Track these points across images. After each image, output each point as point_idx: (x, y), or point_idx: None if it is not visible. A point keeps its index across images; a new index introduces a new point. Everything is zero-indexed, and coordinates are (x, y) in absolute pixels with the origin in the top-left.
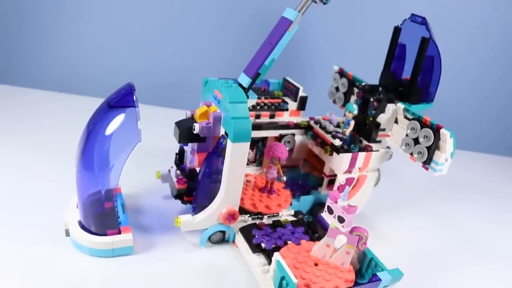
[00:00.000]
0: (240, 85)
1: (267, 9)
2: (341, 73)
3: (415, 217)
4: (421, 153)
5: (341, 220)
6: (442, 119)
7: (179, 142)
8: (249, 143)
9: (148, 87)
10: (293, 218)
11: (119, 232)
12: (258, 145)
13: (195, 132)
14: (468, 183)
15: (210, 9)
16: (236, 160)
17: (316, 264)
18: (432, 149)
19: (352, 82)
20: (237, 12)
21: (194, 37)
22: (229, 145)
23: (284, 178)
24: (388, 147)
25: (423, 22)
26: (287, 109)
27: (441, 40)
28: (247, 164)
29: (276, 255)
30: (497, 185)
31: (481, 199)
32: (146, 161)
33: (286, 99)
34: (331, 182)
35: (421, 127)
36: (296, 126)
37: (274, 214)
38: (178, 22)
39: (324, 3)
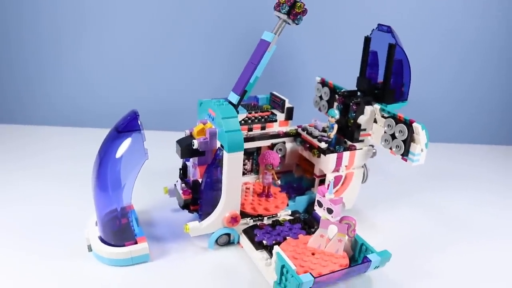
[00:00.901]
0: (230, 102)
1: (253, 34)
2: (323, 83)
3: (405, 207)
4: (398, 146)
5: (330, 211)
6: (425, 116)
7: (181, 158)
8: (242, 152)
9: (148, 114)
10: (291, 217)
11: (136, 243)
12: (253, 155)
13: (194, 147)
14: (454, 173)
15: (199, 38)
16: (233, 168)
17: (313, 254)
18: (408, 142)
19: (333, 90)
20: (225, 38)
21: (187, 64)
22: (225, 155)
23: (279, 182)
24: (371, 145)
25: (389, 30)
26: (276, 120)
27: (419, 41)
28: (245, 174)
29: (276, 248)
30: (481, 171)
31: (466, 186)
32: (153, 180)
33: (275, 111)
34: (322, 182)
35: (396, 123)
36: (286, 134)
37: (273, 215)
38: (171, 52)
39: (296, 24)
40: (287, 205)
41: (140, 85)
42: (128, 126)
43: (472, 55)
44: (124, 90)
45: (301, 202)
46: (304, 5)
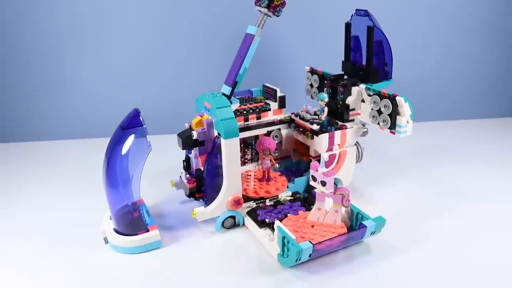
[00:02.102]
0: (224, 94)
1: (243, 32)
2: (312, 71)
3: (401, 182)
4: (385, 121)
5: (323, 184)
6: (416, 95)
7: (182, 149)
8: (238, 138)
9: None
10: (291, 197)
11: (148, 231)
12: (252, 145)
13: (194, 138)
14: (447, 148)
15: (195, 45)
16: (231, 154)
17: (312, 226)
18: (393, 115)
19: (322, 77)
20: (220, 42)
21: (185, 72)
22: (223, 142)
23: (277, 165)
24: (363, 124)
25: (366, 14)
26: (270, 109)
27: (404, 21)
28: (247, 163)
29: (277, 223)
30: (473, 144)
31: (460, 159)
32: (160, 179)
33: (268, 101)
34: (318, 162)
35: (381, 99)
36: (280, 121)
37: (274, 197)
38: (168, 61)
39: (277, 16)
40: (287, 187)
41: (141, 94)
42: (131, 123)
43: (457, 31)
44: (125, 99)
45: (300, 183)
46: None
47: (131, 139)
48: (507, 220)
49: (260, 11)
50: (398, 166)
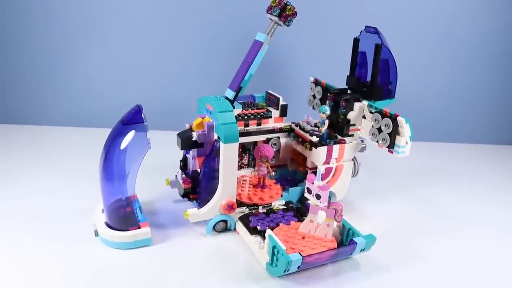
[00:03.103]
0: (227, 98)
1: (251, 38)
2: (316, 82)
3: (395, 200)
4: (384, 139)
5: (318, 197)
6: (418, 116)
7: (181, 149)
8: (237, 143)
9: (151, 114)
10: (284, 206)
11: (139, 228)
12: (250, 150)
13: (193, 139)
14: (444, 170)
15: (200, 42)
16: (229, 158)
17: (303, 238)
18: (393, 134)
19: (326, 89)
20: (224, 41)
21: (188, 68)
22: (222, 146)
23: (273, 173)
24: (362, 140)
25: (375, 31)
26: (271, 117)
27: (411, 42)
28: (243, 167)
29: (268, 231)
30: (470, 169)
31: (455, 182)
32: (156, 175)
33: (270, 108)
34: (314, 174)
35: (382, 118)
36: (280, 130)
37: (268, 205)
38: (172, 56)
39: (287, 25)
40: (281, 195)
41: (143, 88)
42: (133, 119)
43: (462, 56)
44: (128, 92)
45: (294, 193)
46: (294, 8)
47: (131, 134)
48: (494, 247)
49: (271, 19)
50: (393, 184)
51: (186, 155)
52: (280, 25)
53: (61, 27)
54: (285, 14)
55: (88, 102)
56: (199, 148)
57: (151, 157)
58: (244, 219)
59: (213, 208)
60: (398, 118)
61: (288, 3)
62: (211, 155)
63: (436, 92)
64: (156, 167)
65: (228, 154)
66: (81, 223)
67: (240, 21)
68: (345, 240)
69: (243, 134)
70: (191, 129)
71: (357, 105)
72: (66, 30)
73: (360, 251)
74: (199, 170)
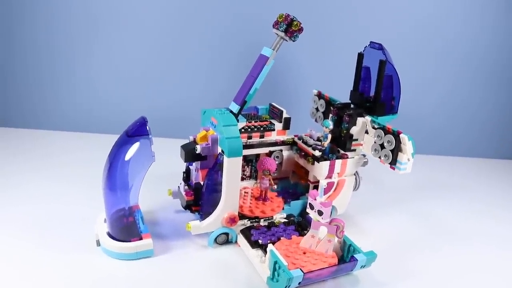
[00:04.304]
0: (231, 111)
1: (254, 48)
2: (319, 96)
3: (395, 214)
4: (387, 156)
5: (320, 213)
6: (419, 129)
7: (185, 161)
8: (241, 158)
9: (154, 121)
10: (285, 220)
11: (141, 239)
12: (252, 162)
13: (197, 152)
14: (445, 184)
15: (204, 51)
16: (232, 172)
17: (304, 253)
18: (395, 151)
19: (329, 102)
20: (228, 51)
21: (192, 76)
22: (225, 160)
23: (275, 187)
24: (363, 155)
25: (380, 47)
26: (274, 129)
27: (413, 57)
28: (245, 179)
29: (270, 246)
30: (470, 183)
31: (456, 196)
32: (159, 183)
33: (273, 121)
34: (316, 188)
35: (385, 134)
36: (283, 143)
37: (269, 218)
38: (176, 63)
39: (293, 41)
40: (283, 208)
41: (147, 95)
42: (137, 131)
43: (463, 71)
44: (132, 99)
45: (296, 206)
46: (301, 23)
47: (135, 147)
48: (494, 263)
49: (277, 34)
50: (394, 198)
51: (189, 166)
52: (286, 40)
53: (65, 32)
54: (291, 29)
55: (91, 108)
56: (203, 161)
57: (153, 165)
58: (246, 232)
59: (215, 220)
60: (401, 136)
61: (294, 19)
62: (214, 168)
63: (437, 105)
64: (159, 176)
65: (232, 168)
66: (82, 232)
67: (245, 31)
68: (346, 256)
69: (246, 146)
70: (195, 142)
71: (360, 120)
72: (70, 35)
73: (361, 267)
74: (202, 183)
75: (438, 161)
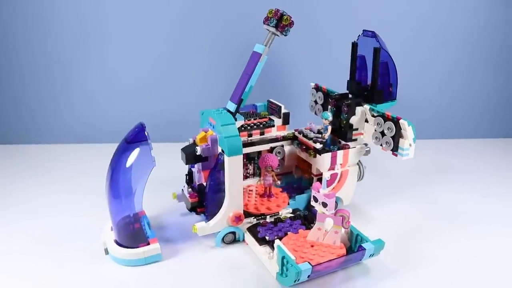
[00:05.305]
0: (228, 111)
1: (248, 47)
2: (317, 88)
3: (401, 201)
4: (388, 143)
5: (324, 205)
6: (420, 113)
7: (186, 164)
8: (241, 156)
9: (154, 127)
10: (292, 215)
11: (148, 244)
12: (254, 160)
13: (198, 153)
14: (449, 166)
15: (200, 54)
16: (234, 171)
17: (312, 246)
18: (396, 137)
19: (327, 94)
20: (224, 53)
21: (188, 80)
22: (226, 159)
23: (279, 182)
24: (365, 144)
25: (373, 35)
26: (273, 125)
27: (410, 41)
28: (248, 177)
29: (277, 242)
30: (474, 164)
31: (460, 179)
32: (162, 188)
33: (272, 117)
34: (320, 180)
35: (385, 121)
36: (284, 138)
37: (275, 214)
38: (172, 69)
39: (284, 35)
40: (288, 203)
41: (145, 101)
42: (136, 137)
43: (463, 51)
44: (130, 106)
45: (301, 200)
46: (291, 17)
47: (135, 153)
48: (505, 242)
49: (268, 30)
50: (399, 185)
51: (192, 169)
52: (278, 35)
53: (60, 44)
54: (282, 24)
55: (90, 118)
56: (204, 162)
57: (156, 170)
58: (253, 230)
59: (221, 220)
60: (401, 121)
61: (284, 14)
62: (216, 168)
63: (437, 88)
64: (162, 181)
65: (233, 166)
66: (90, 242)
67: (239, 32)
68: (354, 246)
69: (246, 144)
70: (194, 144)
71: (359, 109)
72: (65, 47)
73: (369, 256)
74: (205, 184)
75: (442, 145)
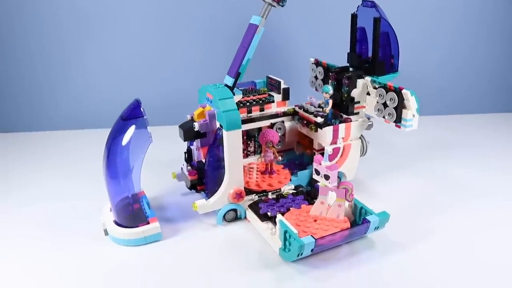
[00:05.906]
0: (226, 85)
1: (246, 24)
2: (317, 63)
3: (405, 176)
4: (391, 114)
5: (327, 177)
6: (423, 89)
7: (184, 141)
8: (240, 130)
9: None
10: (294, 191)
11: (148, 223)
12: (255, 137)
13: (195, 130)
14: (453, 142)
15: (197, 34)
16: (233, 146)
17: (315, 220)
18: (399, 108)
19: (327, 69)
20: (222, 32)
21: (186, 62)
22: (225, 134)
23: (280, 158)
24: (368, 118)
25: (373, 5)
26: (273, 101)
27: (412, 14)
28: (249, 155)
29: (279, 216)
30: (478, 139)
31: (465, 153)
32: (162, 170)
33: (272, 93)
34: (322, 155)
35: (387, 92)
36: (284, 114)
37: (277, 190)
38: (170, 52)
39: (281, 6)
40: (290, 180)
41: (143, 84)
42: (132, 113)
43: (464, 25)
44: (128, 90)
45: (303, 176)
46: None
47: (131, 130)
48: (508, 217)
49: (264, 0)
50: (403, 160)
51: (190, 146)
52: (274, 6)
53: (56, 28)
54: None
55: (88, 103)
56: (203, 138)
57: (154, 153)
58: (254, 207)
59: (222, 197)
60: (403, 91)
61: None
62: (214, 144)
63: (440, 63)
64: (161, 162)
65: (232, 141)
66: (90, 224)
67: (235, 8)
68: (358, 219)
69: (246, 120)
70: (192, 120)
71: (360, 82)
72: (61, 33)
73: (374, 229)
74: (204, 161)
75: (445, 120)
